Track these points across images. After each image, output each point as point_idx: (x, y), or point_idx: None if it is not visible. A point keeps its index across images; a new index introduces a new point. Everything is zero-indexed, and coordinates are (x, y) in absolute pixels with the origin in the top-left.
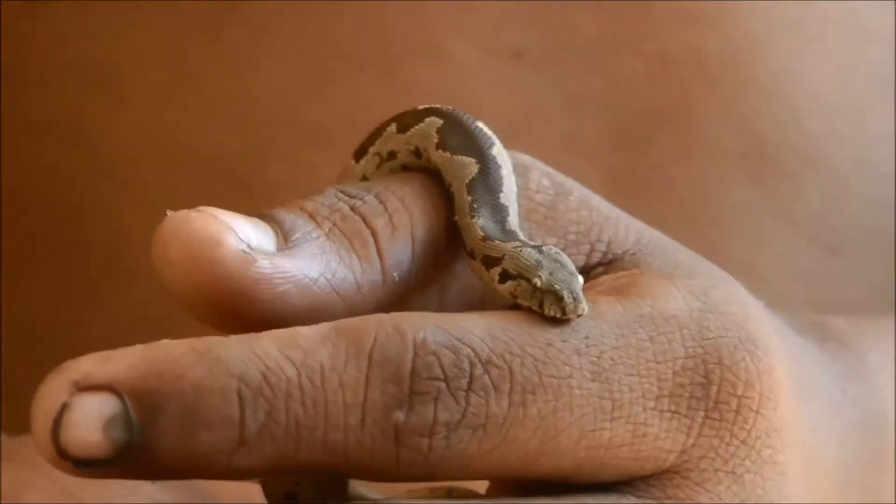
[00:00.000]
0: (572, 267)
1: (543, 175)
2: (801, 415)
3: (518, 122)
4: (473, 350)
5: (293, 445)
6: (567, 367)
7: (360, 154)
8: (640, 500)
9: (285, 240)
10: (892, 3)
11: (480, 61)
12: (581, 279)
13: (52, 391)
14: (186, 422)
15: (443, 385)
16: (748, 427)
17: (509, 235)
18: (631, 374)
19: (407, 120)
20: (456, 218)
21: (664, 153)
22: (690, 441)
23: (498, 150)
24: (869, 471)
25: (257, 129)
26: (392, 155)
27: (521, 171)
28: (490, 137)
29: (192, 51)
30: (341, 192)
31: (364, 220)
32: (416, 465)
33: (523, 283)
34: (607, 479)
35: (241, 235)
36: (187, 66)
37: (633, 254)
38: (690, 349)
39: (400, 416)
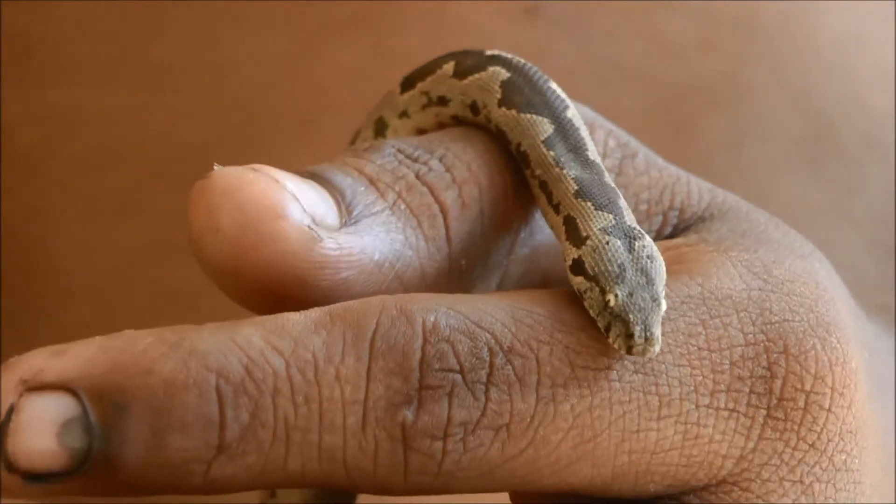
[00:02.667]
0: (660, 283)
1: (609, 134)
2: (878, 414)
3: None
4: (494, 336)
5: (282, 451)
6: (605, 357)
7: (407, 86)
8: None
9: (348, 213)
10: None
11: (487, 20)
12: (664, 306)
13: None
14: (156, 425)
15: (458, 377)
16: (818, 428)
17: (608, 196)
18: (681, 365)
19: (467, 63)
20: (538, 172)
21: (711, 135)
22: (751, 445)
23: (573, 114)
24: None
25: (225, 111)
26: (442, 101)
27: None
28: (564, 100)
29: (143, 21)
30: (400, 151)
31: (432, 193)
32: (428, 473)
33: (596, 290)
34: (653, 492)
35: (306, 206)
36: (137, 39)
37: (703, 219)
38: (750, 335)
39: (408, 414)
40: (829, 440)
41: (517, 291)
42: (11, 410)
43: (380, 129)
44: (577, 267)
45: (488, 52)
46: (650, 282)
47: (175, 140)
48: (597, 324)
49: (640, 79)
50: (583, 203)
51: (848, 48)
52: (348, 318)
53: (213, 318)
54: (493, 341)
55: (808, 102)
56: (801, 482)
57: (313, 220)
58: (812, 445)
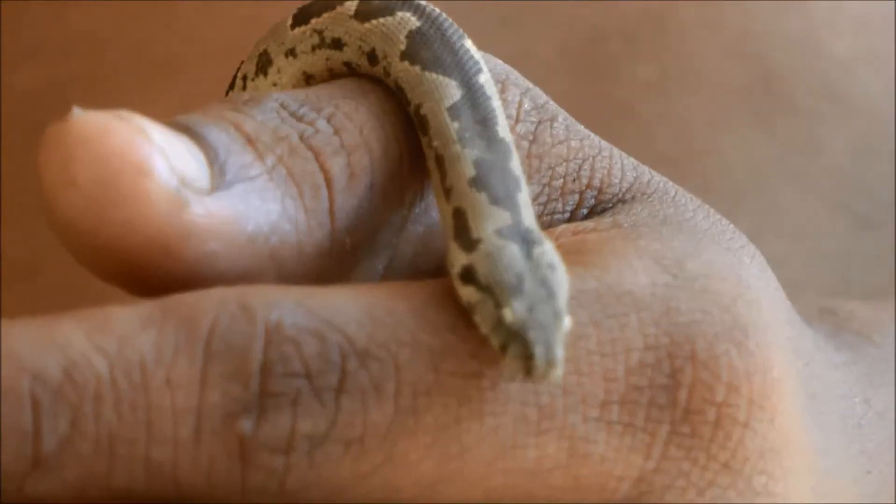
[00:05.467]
0: (562, 296)
1: (524, 94)
2: (810, 432)
3: None
4: (346, 336)
5: (105, 466)
6: (475, 362)
7: (300, 20)
8: None
9: (220, 175)
10: None
11: None
12: (567, 323)
13: None
14: None
15: (304, 384)
16: (732, 446)
17: (507, 188)
18: (566, 372)
19: (373, 4)
20: (435, 143)
21: (634, 83)
22: (651, 465)
23: (486, 80)
24: None
25: (67, 50)
26: (337, 44)
27: (496, 89)
28: (478, 61)
29: None
30: (284, 106)
31: (317, 158)
32: (269, 492)
33: (489, 303)
34: None
35: (175, 164)
36: None
37: (624, 201)
38: (651, 338)
39: (247, 425)
40: (745, 459)
41: (380, 284)
42: None
43: (262, 64)
44: (467, 275)
45: None
46: (552, 295)
47: (5, 87)
48: (480, 336)
49: (552, 19)
50: (477, 194)
51: None
52: (182, 313)
53: (52, 294)
54: (345, 343)
55: (753, 45)
56: None
57: (182, 181)
58: (725, 465)
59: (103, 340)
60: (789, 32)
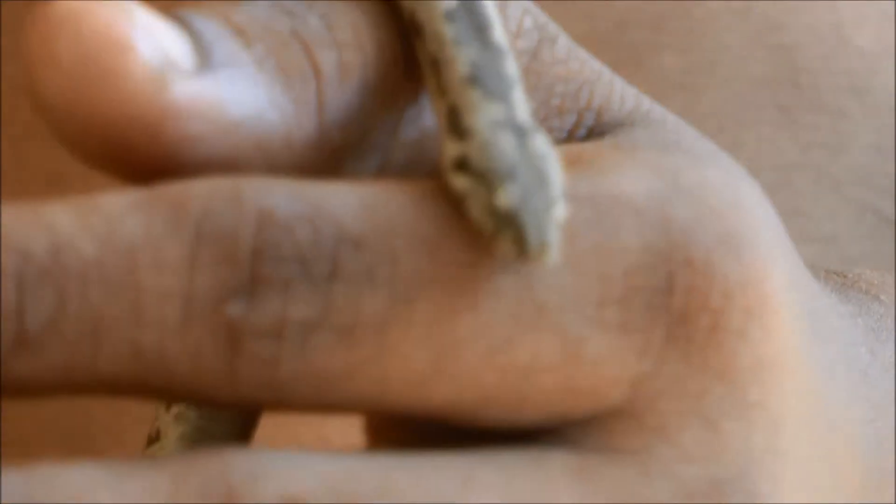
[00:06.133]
0: (557, 184)
1: (525, 12)
2: (813, 358)
3: None
4: (339, 225)
5: (90, 347)
6: (471, 252)
7: None
8: (573, 455)
9: (204, 58)
10: None
11: None
12: (561, 210)
13: None
14: None
15: (296, 269)
16: (726, 354)
17: (500, 86)
18: (561, 272)
19: None
20: (430, 47)
21: (659, 74)
22: (646, 366)
23: None
24: None
25: None
26: None
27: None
28: None
29: None
30: (276, 2)
31: (307, 51)
32: (259, 380)
33: (482, 189)
34: (529, 422)
35: (158, 43)
36: None
37: (623, 125)
38: (647, 241)
39: (236, 309)
40: (739, 370)
41: (375, 180)
42: None
43: None
44: (460, 164)
45: None
46: (544, 180)
47: (5, 80)
48: (476, 228)
49: (574, 7)
50: (471, 91)
51: None
52: (172, 198)
53: None
54: (339, 230)
55: (777, 38)
56: (706, 417)
57: (166, 60)
58: (719, 375)
59: (91, 223)
60: (816, 26)
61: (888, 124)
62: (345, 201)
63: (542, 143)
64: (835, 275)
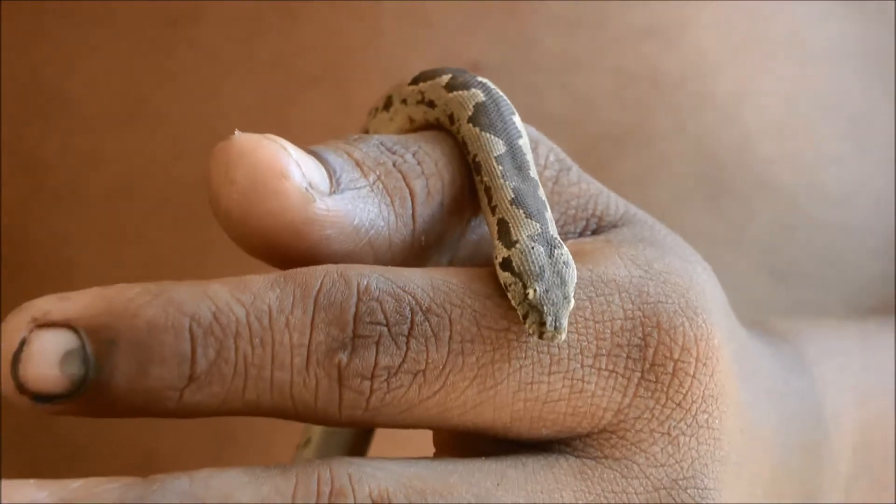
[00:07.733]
0: (571, 285)
1: (550, 150)
2: (740, 388)
3: None
4: (415, 298)
5: (241, 383)
6: (505, 321)
7: (414, 81)
8: (579, 460)
9: (336, 184)
10: (833, 23)
11: None
12: (572, 303)
13: (12, 327)
14: (140, 357)
15: (384, 330)
16: (683, 391)
17: (537, 208)
18: (570, 332)
19: (459, 80)
20: (485, 178)
21: (621, 176)
22: (626, 400)
23: (524, 143)
24: (807, 464)
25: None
26: (431, 104)
27: (531, 146)
28: (520, 130)
29: (143, 75)
30: (382, 144)
31: (404, 179)
32: (358, 407)
33: (519, 284)
34: (546, 435)
35: (305, 172)
36: (138, 91)
37: (616, 225)
38: (629, 311)
39: (343, 357)
40: (693, 401)
41: (441, 267)
42: (23, 343)
43: (386, 104)
44: (506, 264)
45: (479, 78)
46: (563, 283)
47: (174, 176)
48: (510, 304)
49: (559, 126)
50: (516, 210)
51: (739, 101)
52: (298, 279)
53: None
54: (414, 302)
55: (705, 148)
56: (669, 434)
57: (310, 184)
58: (678, 405)
59: (242, 295)
60: (731, 138)
61: (782, 207)
62: (419, 282)
63: (565, 253)
64: (758, 323)
